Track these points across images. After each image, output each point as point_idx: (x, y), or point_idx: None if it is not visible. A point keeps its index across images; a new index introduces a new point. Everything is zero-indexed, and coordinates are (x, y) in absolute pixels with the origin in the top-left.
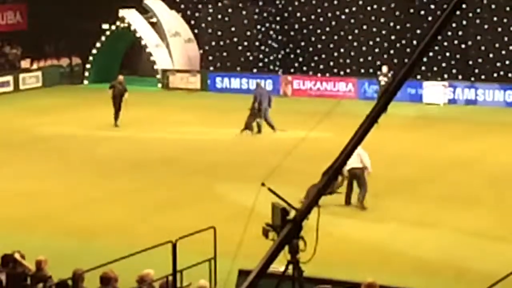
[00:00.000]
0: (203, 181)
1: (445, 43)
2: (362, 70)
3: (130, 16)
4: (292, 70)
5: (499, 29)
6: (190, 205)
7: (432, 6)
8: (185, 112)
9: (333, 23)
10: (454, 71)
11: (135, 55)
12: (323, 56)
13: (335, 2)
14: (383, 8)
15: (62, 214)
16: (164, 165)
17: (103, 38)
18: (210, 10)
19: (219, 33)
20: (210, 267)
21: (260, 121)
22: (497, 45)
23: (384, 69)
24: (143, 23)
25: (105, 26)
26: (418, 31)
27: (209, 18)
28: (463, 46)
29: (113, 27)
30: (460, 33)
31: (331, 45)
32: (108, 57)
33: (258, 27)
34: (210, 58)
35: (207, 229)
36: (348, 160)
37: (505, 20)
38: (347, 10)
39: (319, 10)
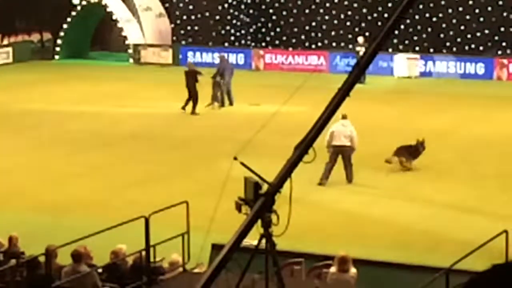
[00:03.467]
0: (176, 155)
1: (416, 16)
2: (334, 44)
3: None
4: (264, 44)
5: (470, 2)
6: (163, 180)
7: None
8: (157, 87)
9: None
10: (425, 44)
11: (106, 30)
12: (295, 30)
13: None
14: None
15: (35, 190)
16: (136, 140)
17: (73, 13)
18: None
19: (191, 7)
20: (183, 242)
21: (222, 95)
22: (467, 17)
23: (360, 39)
24: None
25: (75, 1)
26: (389, 4)
27: None
28: (434, 19)
29: (84, 2)
30: (431, 5)
31: (303, 19)
32: (79, 33)
33: (230, 1)
34: (182, 32)
35: (180, 204)
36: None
37: None
38: None
39: None
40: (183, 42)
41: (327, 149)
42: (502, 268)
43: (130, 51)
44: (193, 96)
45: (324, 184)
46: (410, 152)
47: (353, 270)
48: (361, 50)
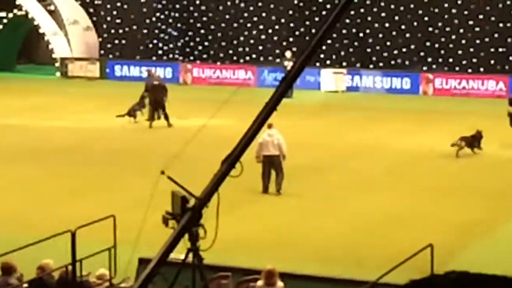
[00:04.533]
0: (103, 169)
1: (343, 31)
2: (262, 58)
3: (28, 3)
4: (191, 58)
5: (396, 18)
6: (90, 194)
7: None
8: (84, 100)
9: (232, 11)
10: (352, 59)
11: (33, 43)
12: (223, 44)
13: None
14: None
15: None
16: (63, 153)
17: (0, 26)
18: None
19: (118, 21)
20: (110, 256)
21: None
22: (394, 33)
23: (288, 54)
24: (41, 10)
25: (2, 14)
26: (317, 19)
27: (108, 6)
28: (361, 34)
29: (10, 15)
30: (358, 20)
31: (230, 33)
32: (6, 45)
33: (157, 15)
34: (109, 46)
35: (106, 218)
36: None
37: (401, 8)
38: None
39: None
40: (111, 56)
41: (256, 159)
42: (419, 283)
43: (57, 64)
44: (164, 109)
45: (267, 192)
46: (470, 141)
47: (280, 284)
48: (289, 64)
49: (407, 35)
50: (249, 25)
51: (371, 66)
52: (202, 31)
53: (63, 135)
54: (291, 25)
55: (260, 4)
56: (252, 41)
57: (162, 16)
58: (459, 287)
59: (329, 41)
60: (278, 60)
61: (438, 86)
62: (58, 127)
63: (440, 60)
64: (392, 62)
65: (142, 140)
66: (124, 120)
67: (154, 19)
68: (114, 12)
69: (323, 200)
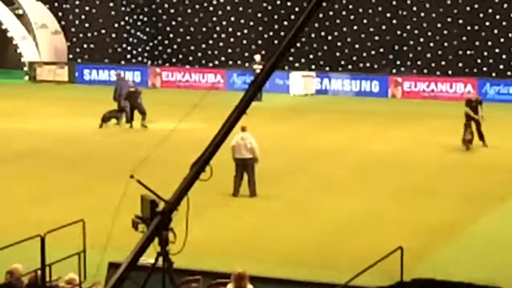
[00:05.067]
0: (72, 173)
1: (312, 35)
2: (231, 62)
3: None
4: (160, 62)
5: (365, 21)
6: (59, 198)
7: None
8: (53, 104)
9: (201, 14)
10: (321, 62)
11: (1, 48)
12: (192, 47)
13: None
14: (251, 0)
15: None
16: (31, 157)
17: None
18: (77, 2)
19: (87, 25)
20: (80, 261)
21: (120, 115)
22: (362, 36)
23: (258, 57)
24: (9, 14)
25: None
26: (285, 23)
27: (77, 10)
28: (329, 37)
29: None
30: (326, 24)
31: (200, 37)
32: None
33: (126, 18)
34: (78, 50)
35: (76, 222)
36: (241, 150)
37: (370, 11)
38: (215, 2)
39: (187, 2)
40: (79, 60)
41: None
42: None
43: (26, 68)
44: (143, 111)
45: (237, 196)
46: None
47: (250, 287)
48: (258, 68)
49: (376, 38)
50: (218, 28)
51: (340, 69)
52: (171, 34)
53: (31, 139)
54: (260, 28)
55: (229, 8)
56: (221, 45)
57: (130, 20)
58: None
59: (298, 45)
60: (247, 64)
61: (407, 89)
62: (26, 130)
63: (409, 63)
64: (361, 65)
65: (111, 144)
66: (111, 123)
67: (122, 23)
68: (83, 16)
69: (293, 203)
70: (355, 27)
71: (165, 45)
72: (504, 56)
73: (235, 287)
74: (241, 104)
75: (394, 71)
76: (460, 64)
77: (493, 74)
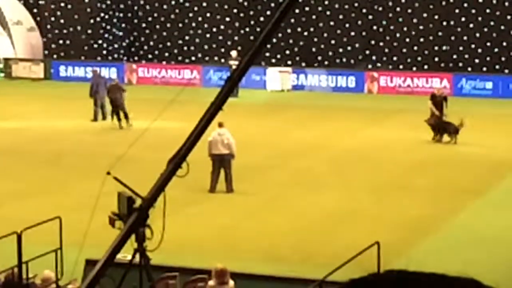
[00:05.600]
0: (48, 171)
1: (288, 30)
2: (207, 58)
3: None
4: (136, 58)
5: (341, 16)
6: (35, 196)
7: None
8: (28, 101)
9: (177, 10)
10: (297, 57)
11: None
12: (168, 44)
13: None
14: None
15: None
16: (7, 155)
17: None
18: None
19: (62, 21)
20: (57, 258)
21: (96, 109)
22: (338, 31)
23: (234, 53)
24: None
25: None
26: (262, 19)
27: (52, 6)
28: (306, 33)
29: None
30: (303, 19)
31: (176, 33)
32: None
33: (102, 15)
34: (54, 46)
35: (52, 219)
36: (218, 145)
37: (346, 7)
38: None
39: None
40: (55, 56)
41: (210, 158)
42: (358, 283)
43: (1, 65)
44: (123, 109)
45: (214, 192)
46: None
47: (231, 283)
48: (235, 64)
49: (352, 33)
50: (194, 24)
51: (316, 64)
52: (147, 31)
53: (6, 137)
54: (236, 24)
55: (204, 4)
56: (197, 41)
57: (106, 16)
58: (397, 285)
59: (274, 40)
60: (223, 60)
61: (383, 84)
62: (1, 128)
63: (385, 58)
64: (337, 61)
65: (87, 142)
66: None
67: (98, 19)
68: (58, 13)
69: (270, 199)
70: (331, 23)
71: (141, 41)
72: (479, 51)
73: (217, 283)
74: (218, 100)
75: (370, 66)
76: (436, 59)
77: (469, 69)
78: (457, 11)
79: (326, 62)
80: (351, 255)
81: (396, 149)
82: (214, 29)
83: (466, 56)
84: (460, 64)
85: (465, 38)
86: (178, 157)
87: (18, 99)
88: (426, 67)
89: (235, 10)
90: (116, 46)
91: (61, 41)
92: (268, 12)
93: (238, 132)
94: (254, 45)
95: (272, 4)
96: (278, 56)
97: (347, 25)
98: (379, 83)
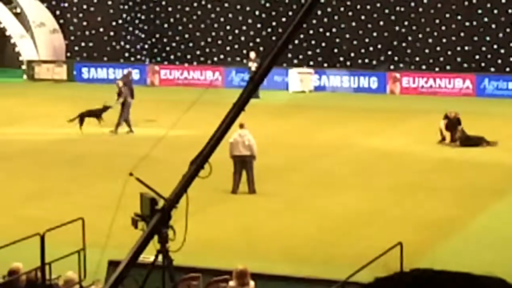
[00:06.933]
0: (71, 172)
1: (310, 31)
2: (229, 59)
3: None
4: (159, 60)
5: (363, 17)
6: (58, 197)
7: None
8: (51, 103)
9: (199, 12)
10: (319, 58)
11: None
12: (190, 45)
13: None
14: None
15: None
16: (30, 156)
17: None
18: (76, 0)
19: (85, 23)
20: (79, 259)
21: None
22: (360, 32)
23: (252, 55)
24: (7, 13)
25: None
26: (284, 19)
27: (75, 8)
28: (328, 33)
29: None
30: (324, 20)
31: (198, 34)
32: None
33: (124, 16)
34: (76, 48)
35: (75, 221)
36: (239, 147)
37: (368, 7)
38: None
39: None
40: (78, 58)
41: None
42: (384, 281)
43: (24, 67)
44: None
45: (236, 193)
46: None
47: (252, 283)
48: (253, 65)
49: (374, 34)
50: (216, 26)
51: (338, 65)
52: (170, 32)
53: (30, 138)
54: (258, 25)
55: (226, 5)
56: (219, 42)
57: (129, 18)
58: (423, 283)
59: (296, 41)
60: (245, 61)
61: (405, 85)
62: (25, 129)
63: (407, 59)
64: (359, 62)
65: (110, 143)
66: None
67: (121, 21)
68: (81, 14)
69: (291, 200)
70: (353, 23)
71: (163, 43)
72: (502, 51)
73: (237, 284)
74: (239, 101)
75: (392, 67)
76: (459, 60)
77: (492, 70)
78: (479, 11)
79: (348, 63)
80: (374, 256)
81: (418, 150)
82: (236, 31)
83: (489, 56)
84: (483, 65)
85: (487, 38)
86: (200, 158)
87: (41, 101)
88: (448, 67)
89: (257, 12)
90: (138, 47)
91: (83, 43)
92: (290, 13)
93: (260, 133)
94: (276, 46)
95: (294, 6)
96: (300, 57)
97: (369, 26)
98: (401, 84)
